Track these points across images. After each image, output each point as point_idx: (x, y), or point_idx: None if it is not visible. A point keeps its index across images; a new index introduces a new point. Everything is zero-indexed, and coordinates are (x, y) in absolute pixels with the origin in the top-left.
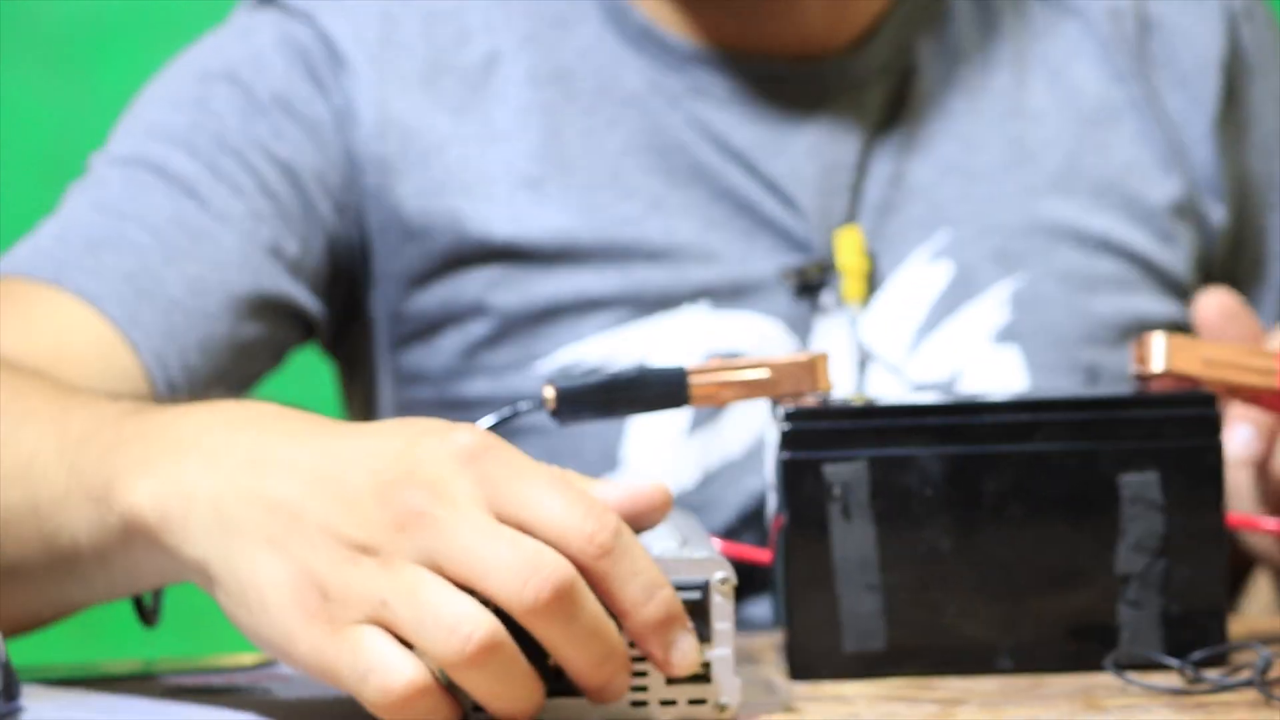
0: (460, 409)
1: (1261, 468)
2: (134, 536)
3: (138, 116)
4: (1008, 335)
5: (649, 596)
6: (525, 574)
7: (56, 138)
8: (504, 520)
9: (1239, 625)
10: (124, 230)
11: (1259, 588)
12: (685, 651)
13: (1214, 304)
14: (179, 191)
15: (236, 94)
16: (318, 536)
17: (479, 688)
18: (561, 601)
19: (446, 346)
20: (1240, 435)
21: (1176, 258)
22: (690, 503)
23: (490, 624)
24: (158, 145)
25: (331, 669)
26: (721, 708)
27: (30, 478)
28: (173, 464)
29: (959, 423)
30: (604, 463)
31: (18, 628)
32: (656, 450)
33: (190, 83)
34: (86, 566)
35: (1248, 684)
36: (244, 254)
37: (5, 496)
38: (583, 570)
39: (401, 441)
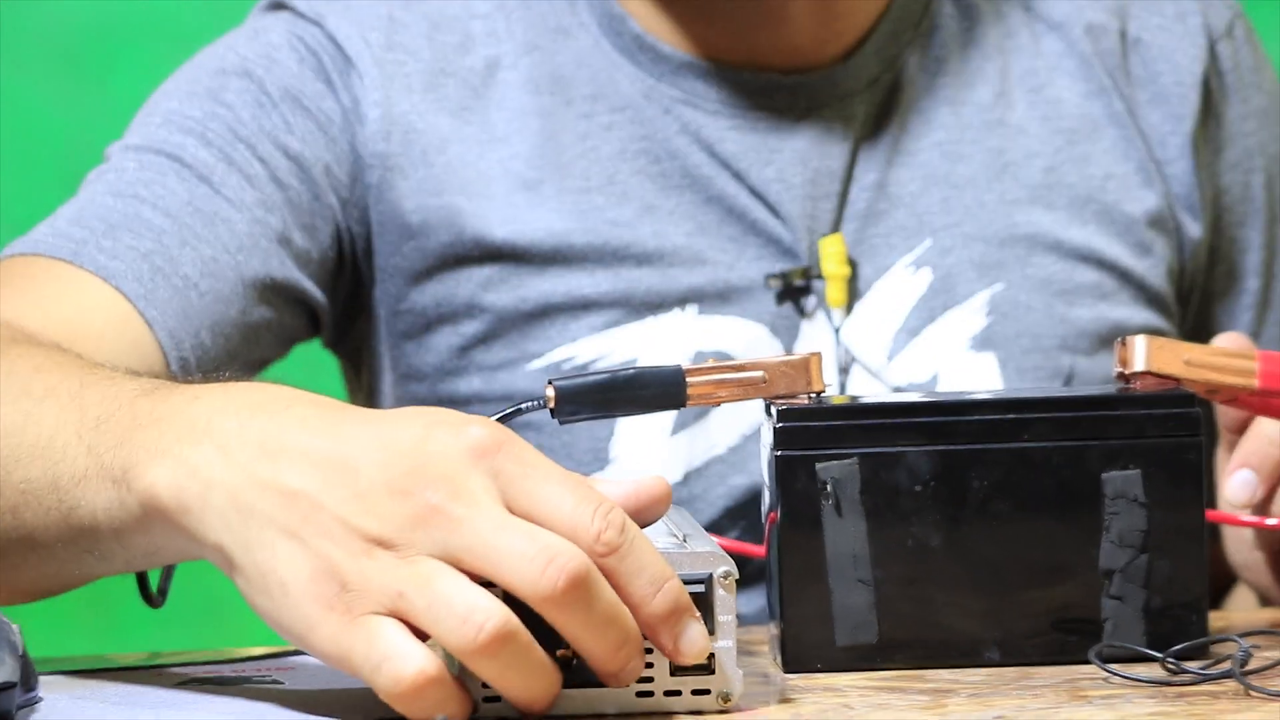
0: (453, 406)
1: (1260, 510)
2: (153, 519)
3: (154, 109)
4: (984, 342)
5: (656, 589)
6: (541, 564)
7: (70, 143)
8: (515, 514)
9: (1219, 619)
10: (140, 212)
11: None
12: (693, 640)
13: (1227, 344)
14: (194, 178)
15: (249, 88)
16: (336, 528)
17: (494, 677)
18: (578, 590)
19: (441, 344)
20: (1239, 479)
21: (1152, 268)
22: (677, 497)
23: (503, 614)
24: (174, 134)
25: (347, 657)
26: (725, 697)
27: (51, 455)
28: (189, 449)
29: (948, 421)
30: (594, 459)
31: (36, 595)
32: (645, 447)
33: (205, 77)
34: (105, 542)
35: (1227, 675)
36: (255, 239)
37: (26, 471)
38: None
39: (416, 432)
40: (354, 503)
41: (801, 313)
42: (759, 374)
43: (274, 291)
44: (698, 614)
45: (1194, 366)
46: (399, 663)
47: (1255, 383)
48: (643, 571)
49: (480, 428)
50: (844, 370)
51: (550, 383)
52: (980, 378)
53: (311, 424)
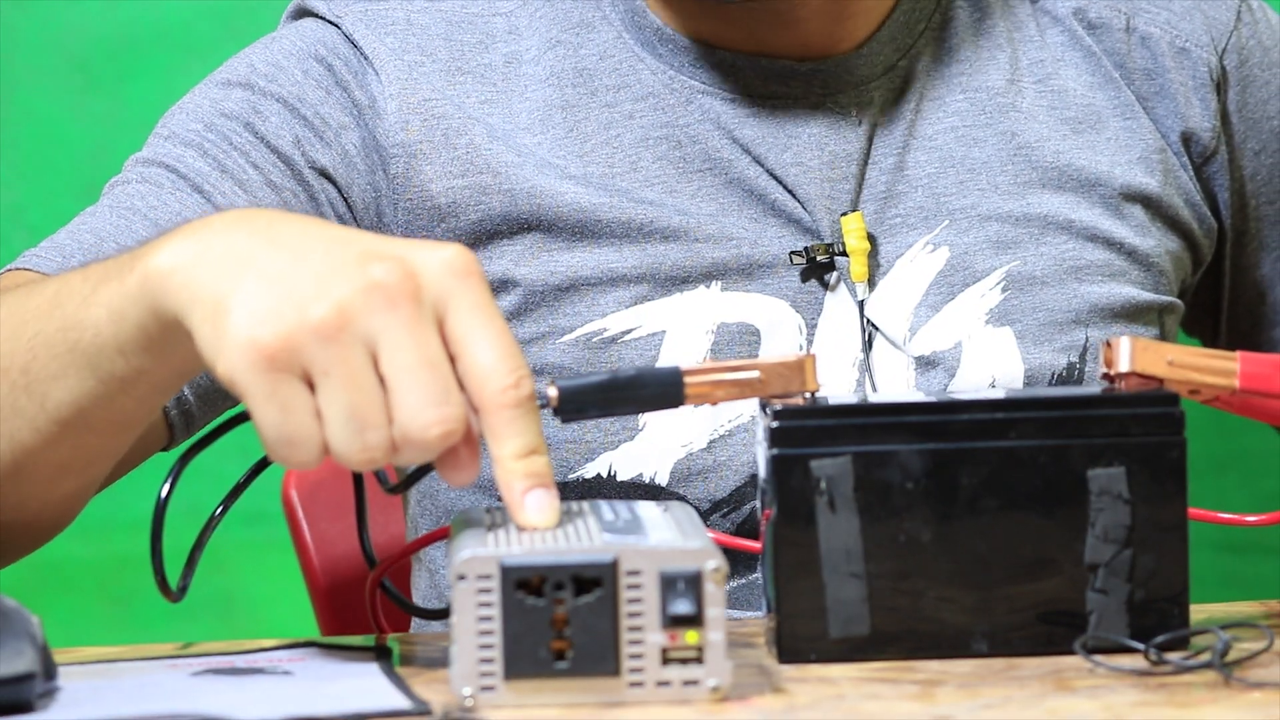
0: None
1: None
2: (148, 292)
3: (166, 121)
4: (1001, 316)
5: (523, 455)
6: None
7: (86, 150)
8: (445, 338)
9: (1200, 611)
10: (131, 224)
11: None
12: (540, 504)
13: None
14: (188, 188)
15: (249, 97)
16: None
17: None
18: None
19: None
20: None
21: (1158, 250)
22: (701, 464)
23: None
24: (175, 147)
25: (253, 407)
26: (714, 689)
27: (58, 300)
28: (191, 231)
29: (938, 420)
30: (623, 427)
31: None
32: (673, 414)
33: (212, 90)
34: (106, 357)
35: (1207, 666)
36: None
37: (38, 326)
38: (484, 412)
39: (399, 245)
40: (330, 266)
41: (825, 286)
42: (755, 374)
43: None
44: (554, 489)
45: (1177, 367)
46: (294, 449)
47: (1236, 383)
48: (521, 436)
49: (460, 251)
50: (867, 344)
51: (553, 383)
52: (998, 351)
53: (309, 224)
